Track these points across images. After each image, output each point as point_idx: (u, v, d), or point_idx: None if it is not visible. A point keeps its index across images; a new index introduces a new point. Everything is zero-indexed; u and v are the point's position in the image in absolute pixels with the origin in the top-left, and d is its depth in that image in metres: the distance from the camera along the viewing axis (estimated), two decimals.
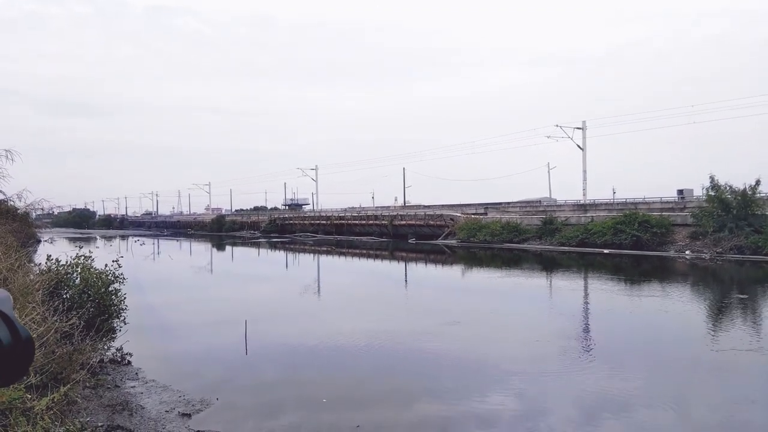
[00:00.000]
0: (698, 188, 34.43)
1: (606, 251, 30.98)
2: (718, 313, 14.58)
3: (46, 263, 10.88)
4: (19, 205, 22.54)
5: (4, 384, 0.87)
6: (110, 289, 10.82)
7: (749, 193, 28.69)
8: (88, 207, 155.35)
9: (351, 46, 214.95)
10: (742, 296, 16.78)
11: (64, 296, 9.79)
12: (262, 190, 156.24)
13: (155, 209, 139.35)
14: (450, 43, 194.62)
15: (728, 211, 28.57)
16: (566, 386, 8.35)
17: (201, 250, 49.79)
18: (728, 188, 29.34)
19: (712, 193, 29.62)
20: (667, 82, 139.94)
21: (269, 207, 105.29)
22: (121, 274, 11.42)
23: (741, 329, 12.18)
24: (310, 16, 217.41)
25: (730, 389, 8.28)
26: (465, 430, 6.79)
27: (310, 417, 7.22)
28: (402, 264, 32.35)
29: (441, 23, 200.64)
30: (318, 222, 65.40)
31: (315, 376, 9.07)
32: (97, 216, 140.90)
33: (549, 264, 27.92)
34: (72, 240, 55.33)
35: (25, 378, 5.15)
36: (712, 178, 29.91)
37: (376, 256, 36.60)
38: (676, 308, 14.81)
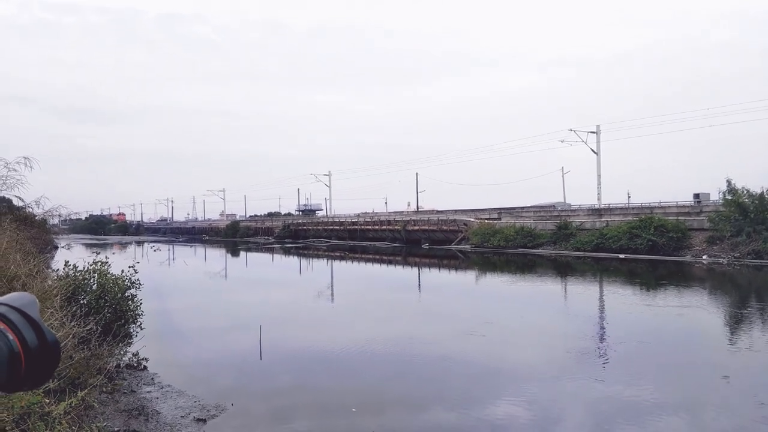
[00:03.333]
0: (715, 192, 34.06)
1: (621, 256, 30.70)
2: (740, 317, 14.38)
3: (63, 269, 11.01)
4: (37, 211, 22.79)
5: (31, 387, 0.88)
6: (127, 294, 10.91)
7: (767, 197, 28.30)
8: (104, 213, 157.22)
9: (362, 50, 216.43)
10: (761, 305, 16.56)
11: (82, 302, 9.88)
12: (276, 196, 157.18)
13: (170, 215, 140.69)
14: (462, 46, 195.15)
15: (746, 216, 28.17)
16: (584, 393, 8.28)
17: (216, 255, 50.10)
18: (745, 192, 28.94)
19: (729, 197, 29.24)
20: (680, 85, 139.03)
21: (283, 212, 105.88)
22: (138, 279, 11.52)
23: (761, 333, 12.02)
24: (321, 21, 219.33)
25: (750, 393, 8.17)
26: None
27: (325, 423, 7.22)
28: (415, 269, 32.30)
29: (452, 27, 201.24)
30: (331, 227, 65.54)
31: (329, 382, 9.08)
32: (113, 222, 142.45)
33: (564, 269, 27.73)
34: (88, 246, 55.91)
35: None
36: (729, 182, 29.55)
37: (390, 262, 36.58)
38: (695, 314, 14.64)
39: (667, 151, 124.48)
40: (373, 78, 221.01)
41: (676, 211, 36.12)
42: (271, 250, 52.26)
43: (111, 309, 10.15)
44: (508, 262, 32.33)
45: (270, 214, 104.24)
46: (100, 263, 11.02)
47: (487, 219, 46.81)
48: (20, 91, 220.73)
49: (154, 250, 54.50)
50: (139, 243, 75.70)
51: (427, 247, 46.57)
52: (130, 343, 10.48)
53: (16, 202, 20.12)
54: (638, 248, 30.59)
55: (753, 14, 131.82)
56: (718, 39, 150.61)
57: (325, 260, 39.85)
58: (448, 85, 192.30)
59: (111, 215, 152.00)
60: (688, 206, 37.92)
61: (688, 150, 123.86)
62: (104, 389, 7.47)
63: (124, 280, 11.08)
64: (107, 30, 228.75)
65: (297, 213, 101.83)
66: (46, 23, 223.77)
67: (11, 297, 0.90)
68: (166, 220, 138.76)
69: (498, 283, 24.13)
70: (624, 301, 17.03)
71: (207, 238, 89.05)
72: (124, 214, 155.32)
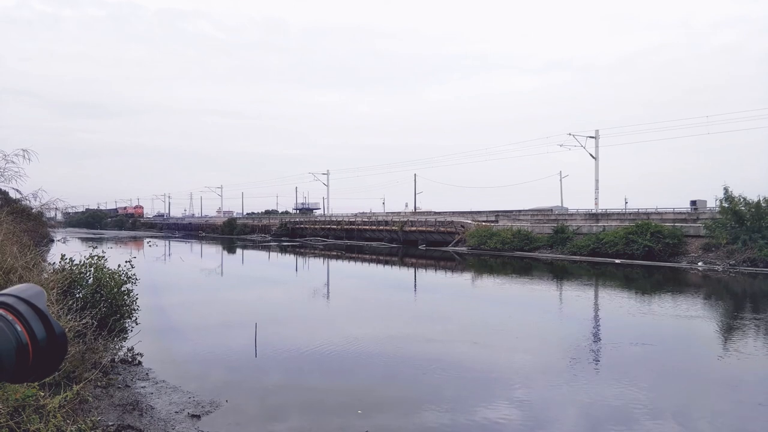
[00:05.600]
0: (711, 199, 34.18)
1: (617, 261, 30.78)
2: (733, 325, 14.43)
3: (60, 262, 10.98)
4: (34, 204, 22.71)
5: (38, 378, 0.88)
6: (123, 289, 10.89)
7: (764, 205, 28.37)
8: (101, 207, 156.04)
9: (363, 51, 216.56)
10: (756, 316, 16.61)
11: (78, 295, 9.87)
12: (273, 194, 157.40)
13: (167, 211, 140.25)
14: (462, 48, 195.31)
15: (742, 223, 28.28)
16: (574, 397, 8.31)
17: (212, 252, 50.02)
18: (742, 200, 29.03)
19: (726, 205, 29.31)
20: (680, 91, 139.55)
21: (280, 211, 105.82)
22: (134, 274, 11.50)
23: (753, 341, 12.06)
24: (322, 22, 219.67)
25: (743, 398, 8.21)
26: None
27: (319, 421, 7.23)
28: (411, 270, 32.32)
29: (453, 29, 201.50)
30: (328, 226, 65.48)
31: (323, 380, 9.10)
32: (109, 217, 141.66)
33: (560, 273, 27.77)
34: (84, 240, 55.78)
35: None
36: (726, 189, 29.60)
37: (386, 262, 36.58)
38: (689, 319, 14.68)
39: (665, 158, 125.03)
40: (374, 79, 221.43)
41: (673, 217, 36.22)
42: (268, 248, 52.20)
43: (107, 303, 10.12)
44: (504, 264, 32.36)
45: (267, 212, 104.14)
46: (96, 257, 11.00)
47: (484, 221, 46.85)
48: (18, 84, 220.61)
49: (150, 246, 54.40)
50: (135, 238, 75.53)
51: (424, 248, 46.58)
52: (126, 338, 10.46)
53: (13, 194, 20.07)
54: (634, 253, 30.66)
55: (755, 18, 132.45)
56: (720, 43, 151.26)
57: (322, 259, 39.81)
58: (448, 88, 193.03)
59: (126, 209, 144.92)
60: (684, 213, 38.06)
61: (686, 157, 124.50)
62: (99, 383, 7.47)
63: (121, 275, 11.06)
64: (106, 24, 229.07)
65: (294, 211, 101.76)
66: (46, 15, 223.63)
67: (19, 288, 0.91)
68: (163, 215, 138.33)
69: (494, 285, 24.16)
70: (619, 305, 17.06)
71: (203, 234, 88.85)
72: (141, 207, 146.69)
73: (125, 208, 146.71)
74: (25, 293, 0.89)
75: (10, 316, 0.85)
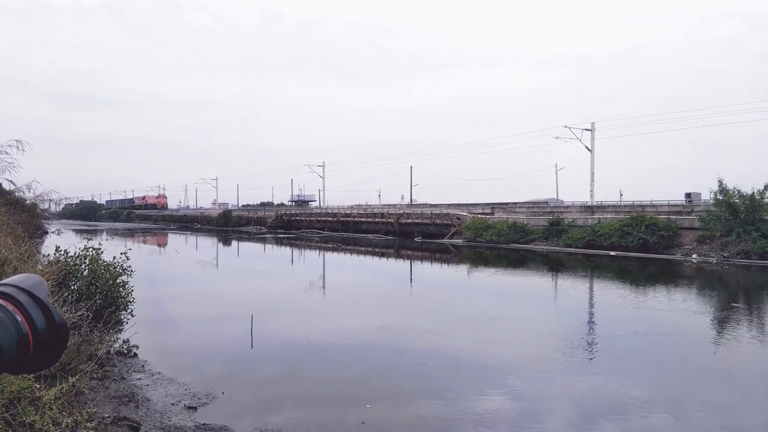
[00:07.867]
0: (706, 192, 34.24)
1: (612, 253, 30.87)
2: (725, 316, 14.51)
3: (55, 254, 10.94)
4: (28, 195, 22.57)
5: (39, 369, 0.87)
6: (118, 281, 10.85)
7: (757, 197, 28.48)
8: (95, 199, 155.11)
9: (360, 44, 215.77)
10: (737, 305, 16.71)
11: (73, 287, 9.83)
12: (269, 186, 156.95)
13: None
14: (459, 42, 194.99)
15: (736, 216, 28.39)
16: (568, 388, 8.35)
17: (207, 244, 49.92)
18: (736, 192, 29.13)
19: (721, 197, 29.41)
20: (677, 85, 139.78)
21: (276, 203, 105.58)
22: (129, 266, 11.47)
23: (746, 334, 12.13)
24: (319, 14, 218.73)
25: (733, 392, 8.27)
26: (466, 429, 6.81)
27: (316, 412, 7.24)
28: (407, 262, 32.35)
29: (452, 25, 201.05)
30: (324, 219, 65.41)
31: (320, 372, 9.11)
32: (104, 209, 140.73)
33: (555, 265, 27.85)
34: (79, 232, 55.57)
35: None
36: (720, 182, 29.68)
37: (382, 254, 36.59)
38: (682, 311, 14.76)
39: (660, 151, 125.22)
40: (371, 72, 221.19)
41: (668, 210, 36.28)
42: (263, 240, 52.13)
43: (102, 295, 10.09)
44: (500, 256, 32.42)
45: (263, 204, 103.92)
46: (91, 249, 10.95)
47: (480, 214, 46.86)
48: (14, 75, 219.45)
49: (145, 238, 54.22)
50: (130, 230, 75.30)
51: (420, 241, 46.59)
52: (121, 330, 10.45)
53: (6, 185, 19.97)
54: (629, 246, 30.75)
55: (753, 13, 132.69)
56: (719, 37, 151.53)
57: (317, 251, 39.81)
58: (446, 82, 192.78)
59: (145, 198, 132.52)
60: (679, 205, 38.11)
61: (681, 150, 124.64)
62: (95, 375, 7.46)
63: (116, 267, 11.02)
64: (101, 14, 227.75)
65: (290, 203, 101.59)
66: (40, 5, 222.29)
67: (19, 278, 0.89)
68: (157, 207, 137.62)
69: (489, 277, 24.21)
70: (613, 297, 17.14)
71: (199, 226, 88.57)
72: (165, 197, 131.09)
73: (144, 197, 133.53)
74: (25, 283, 0.88)
75: (10, 306, 0.84)
